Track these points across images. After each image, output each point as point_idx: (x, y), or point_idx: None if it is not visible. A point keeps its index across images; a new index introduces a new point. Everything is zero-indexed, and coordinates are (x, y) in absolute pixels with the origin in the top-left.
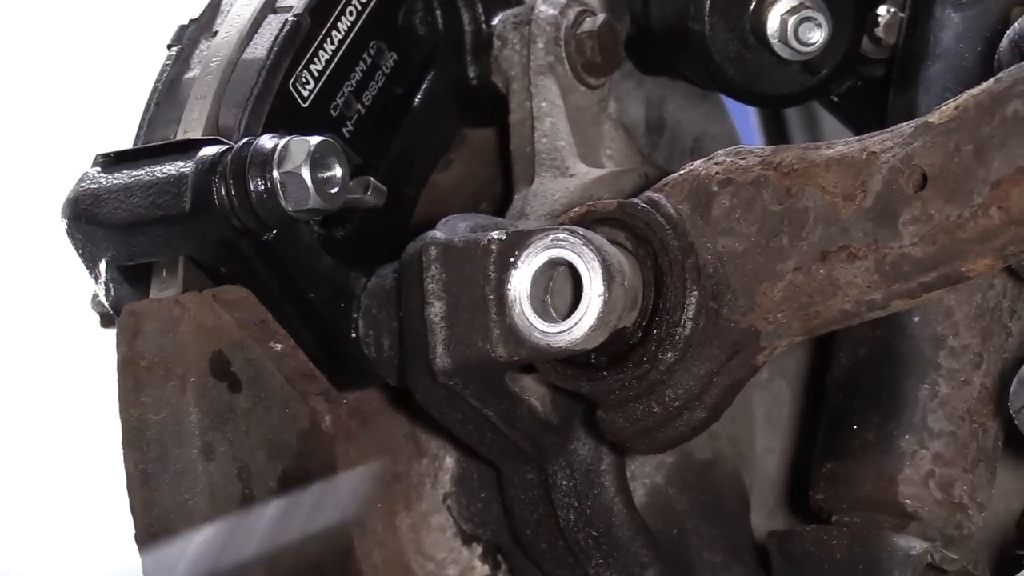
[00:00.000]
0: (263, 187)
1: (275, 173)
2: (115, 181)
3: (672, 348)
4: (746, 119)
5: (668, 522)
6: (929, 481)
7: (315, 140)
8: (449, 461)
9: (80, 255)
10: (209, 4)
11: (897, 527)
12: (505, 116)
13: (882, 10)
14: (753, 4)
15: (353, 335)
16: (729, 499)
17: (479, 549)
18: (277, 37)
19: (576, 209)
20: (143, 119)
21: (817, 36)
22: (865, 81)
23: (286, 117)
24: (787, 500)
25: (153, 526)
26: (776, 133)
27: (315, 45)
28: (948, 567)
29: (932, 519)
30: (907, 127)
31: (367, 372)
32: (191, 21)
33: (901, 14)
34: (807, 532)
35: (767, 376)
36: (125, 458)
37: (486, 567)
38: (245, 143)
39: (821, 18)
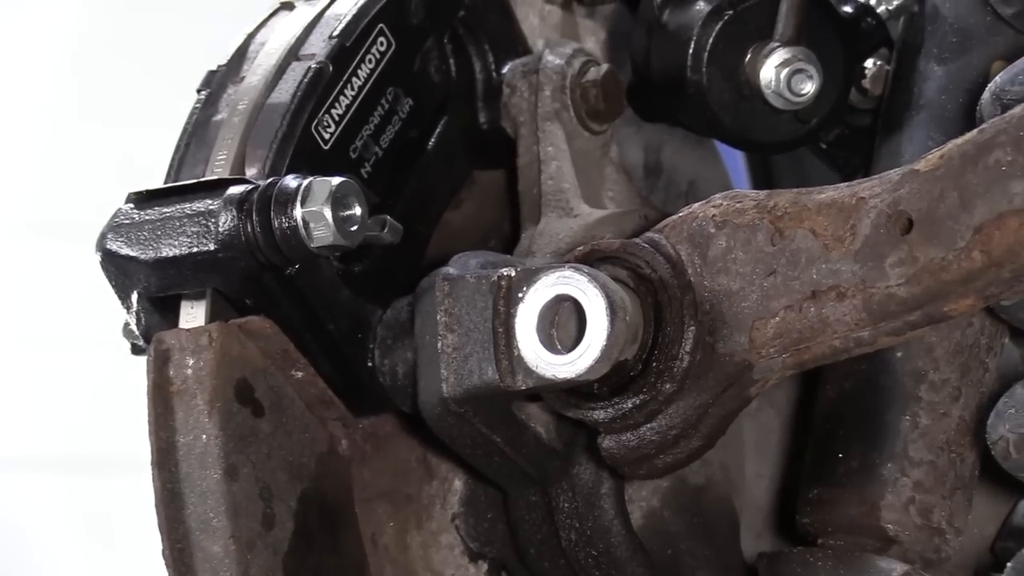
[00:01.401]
0: (287, 224)
1: (298, 211)
2: (147, 217)
3: (670, 380)
4: (735, 162)
5: (663, 543)
6: (910, 507)
7: (336, 180)
8: (458, 483)
9: (113, 286)
10: (236, 51)
11: (879, 550)
12: (513, 159)
13: (869, 63)
14: (748, 56)
15: (369, 364)
16: (720, 522)
17: (485, 566)
18: (300, 83)
19: (581, 248)
20: (173, 159)
21: (808, 87)
22: (852, 129)
23: (308, 158)
24: (775, 523)
25: (179, 543)
26: (764, 177)
27: (336, 91)
28: None
29: (912, 543)
30: (894, 174)
31: (382, 399)
32: (219, 67)
33: (887, 67)
34: (794, 554)
35: (757, 406)
36: (154, 477)
37: None
38: (270, 183)
39: (812, 70)
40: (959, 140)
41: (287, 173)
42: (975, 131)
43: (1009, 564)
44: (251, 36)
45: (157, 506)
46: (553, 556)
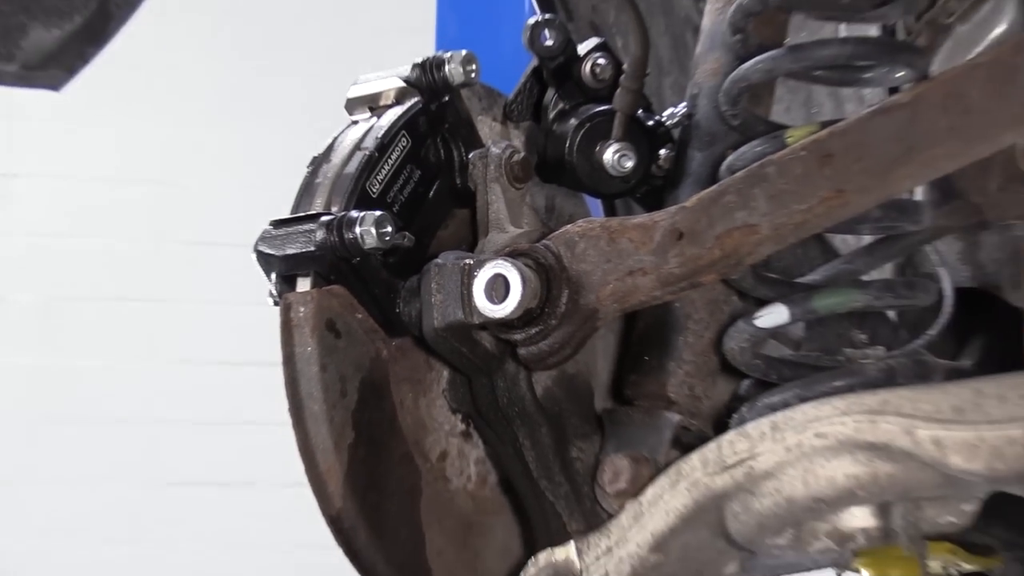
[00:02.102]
0: (351, 237)
1: (358, 230)
2: (278, 233)
3: (555, 318)
4: (595, 204)
5: (553, 404)
6: (683, 385)
7: (378, 213)
8: (446, 373)
9: (263, 270)
10: (328, 145)
11: (666, 408)
12: (475, 203)
13: (662, 151)
14: (598, 147)
15: (397, 311)
16: (584, 392)
17: (460, 416)
18: (361, 162)
19: (508, 248)
20: (294, 202)
21: (629, 164)
22: (653, 187)
23: (364, 202)
24: (612, 394)
25: (297, 405)
26: (610, 212)
27: (379, 167)
28: (691, 427)
29: (684, 404)
30: (674, 208)
31: (405, 328)
32: (319, 154)
33: (672, 153)
34: (621, 409)
35: (603, 332)
36: (284, 371)
37: (463, 425)
38: (343, 215)
39: (631, 155)
40: (708, 190)
41: (352, 210)
42: (716, 185)
43: (734, 414)
44: (336, 138)
45: (286, 386)
46: (495, 412)
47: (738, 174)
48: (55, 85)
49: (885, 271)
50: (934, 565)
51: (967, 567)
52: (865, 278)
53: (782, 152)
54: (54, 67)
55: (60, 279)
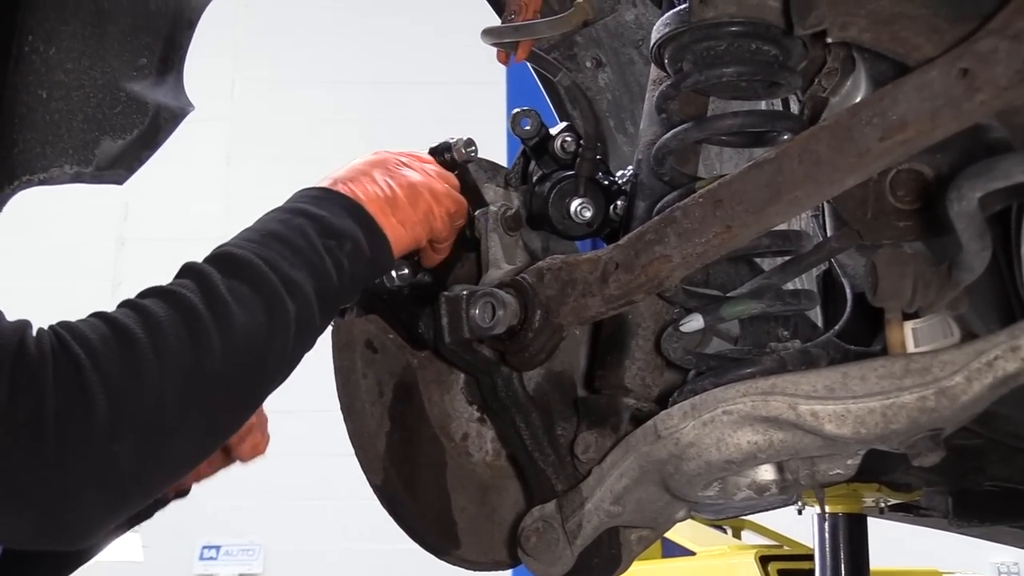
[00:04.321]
0: (379, 280)
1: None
2: None
3: (531, 331)
4: (586, 244)
5: (542, 395)
6: (636, 377)
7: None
8: (461, 376)
9: None
10: None
11: (624, 395)
12: (480, 248)
13: (618, 203)
14: (566, 201)
15: (420, 331)
16: (568, 385)
17: (475, 406)
18: None
19: (498, 281)
20: None
21: (588, 214)
22: (614, 230)
23: None
24: (586, 384)
25: (347, 408)
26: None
27: None
28: (644, 409)
29: (638, 391)
30: (613, 246)
31: (427, 343)
32: None
33: (624, 203)
34: (592, 396)
35: (582, 338)
36: (336, 378)
37: (478, 413)
38: None
39: (591, 206)
40: (635, 231)
41: None
42: (641, 227)
43: (673, 396)
44: None
45: (337, 389)
46: (497, 402)
47: (655, 218)
48: (119, 181)
49: (811, 282)
50: (868, 500)
51: (892, 500)
52: (787, 287)
53: (687, 199)
54: (119, 167)
55: None
